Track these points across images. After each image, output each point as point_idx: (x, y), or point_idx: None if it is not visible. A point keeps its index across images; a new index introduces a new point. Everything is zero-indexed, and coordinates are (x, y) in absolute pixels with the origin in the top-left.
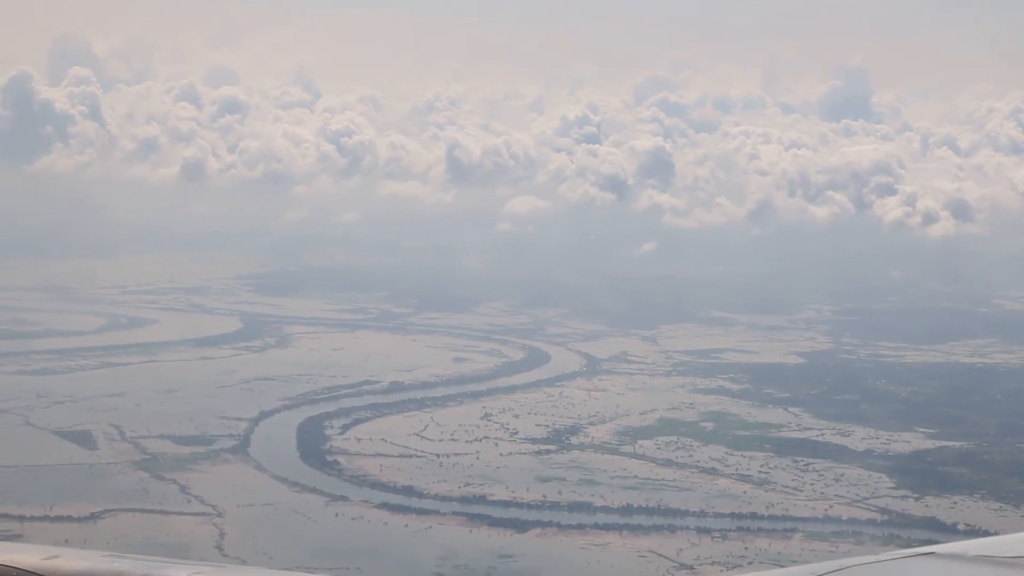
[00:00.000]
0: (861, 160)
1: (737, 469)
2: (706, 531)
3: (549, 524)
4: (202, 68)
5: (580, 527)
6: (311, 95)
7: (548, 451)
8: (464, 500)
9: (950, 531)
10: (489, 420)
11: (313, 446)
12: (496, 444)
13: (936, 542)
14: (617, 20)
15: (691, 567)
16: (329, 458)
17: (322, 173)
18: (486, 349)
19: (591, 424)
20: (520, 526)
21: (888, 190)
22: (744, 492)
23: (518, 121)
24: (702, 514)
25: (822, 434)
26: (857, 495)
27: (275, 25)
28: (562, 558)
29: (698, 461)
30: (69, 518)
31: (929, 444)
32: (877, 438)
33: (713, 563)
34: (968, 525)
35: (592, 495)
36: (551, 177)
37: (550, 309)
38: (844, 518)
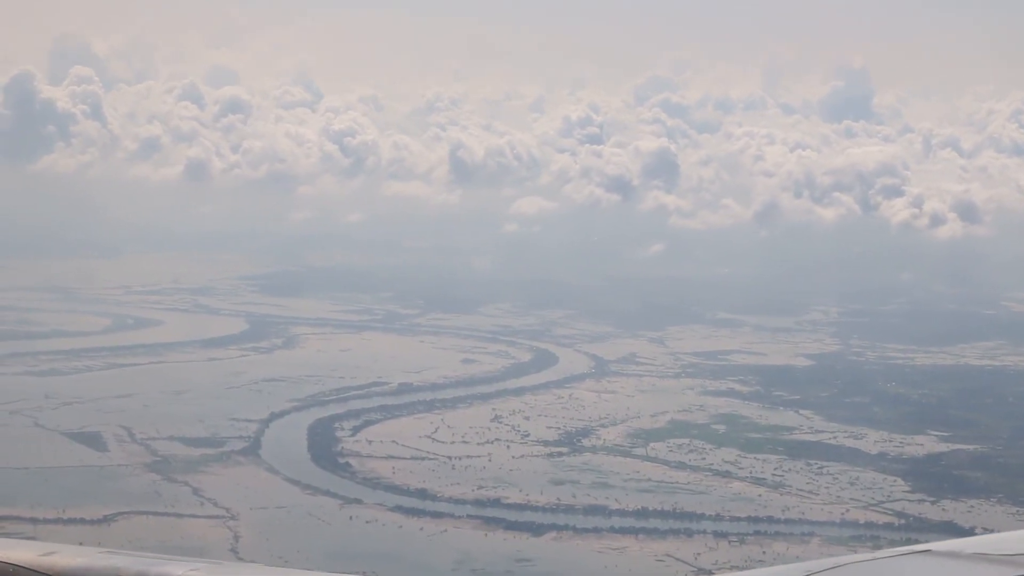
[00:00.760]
0: (866, 161)
1: (751, 472)
2: (723, 535)
3: (565, 527)
4: (203, 68)
5: (596, 530)
6: (312, 95)
7: (560, 453)
8: (478, 503)
9: (970, 536)
10: (500, 422)
11: (324, 448)
12: (508, 446)
13: None
14: (617, 20)
15: (709, 572)
16: (341, 460)
17: (326, 173)
18: (494, 350)
19: (602, 426)
20: (536, 529)
21: (894, 191)
22: (759, 495)
23: (519, 121)
24: (718, 518)
25: (834, 437)
26: (873, 498)
27: (275, 25)
28: (580, 562)
29: (711, 464)
30: (82, 520)
31: (943, 447)
32: (890, 441)
33: (732, 567)
34: (987, 529)
35: (607, 498)
36: (555, 178)
37: (557, 310)
38: (862, 522)
